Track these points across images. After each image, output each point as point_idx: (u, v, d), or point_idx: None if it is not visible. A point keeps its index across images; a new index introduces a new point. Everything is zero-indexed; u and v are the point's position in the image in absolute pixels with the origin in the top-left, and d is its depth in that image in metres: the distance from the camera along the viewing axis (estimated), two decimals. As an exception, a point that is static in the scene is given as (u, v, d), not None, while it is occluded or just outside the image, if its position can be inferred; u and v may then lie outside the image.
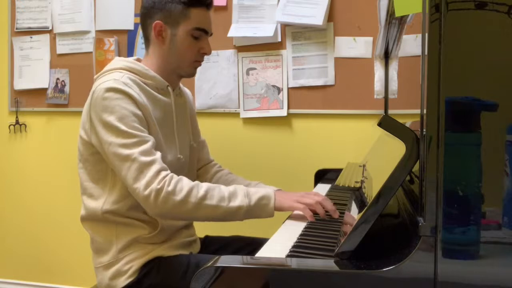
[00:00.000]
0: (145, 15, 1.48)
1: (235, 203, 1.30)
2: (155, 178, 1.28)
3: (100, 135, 1.33)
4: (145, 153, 1.30)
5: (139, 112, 1.35)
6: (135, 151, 1.29)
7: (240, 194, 1.32)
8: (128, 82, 1.37)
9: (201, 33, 1.46)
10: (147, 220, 1.41)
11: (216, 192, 1.31)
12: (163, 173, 1.29)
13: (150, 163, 1.29)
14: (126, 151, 1.29)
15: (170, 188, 1.27)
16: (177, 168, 1.47)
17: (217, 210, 1.30)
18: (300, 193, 1.36)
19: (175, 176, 1.31)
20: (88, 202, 1.43)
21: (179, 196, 1.28)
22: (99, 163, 1.39)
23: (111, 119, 1.31)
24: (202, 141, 1.74)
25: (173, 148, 1.48)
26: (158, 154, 1.32)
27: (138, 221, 1.40)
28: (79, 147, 1.43)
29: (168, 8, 1.43)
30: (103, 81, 1.37)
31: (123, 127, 1.31)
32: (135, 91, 1.36)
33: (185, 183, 1.30)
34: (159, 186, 1.27)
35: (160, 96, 1.46)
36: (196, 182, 1.33)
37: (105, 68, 1.45)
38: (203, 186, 1.31)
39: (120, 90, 1.33)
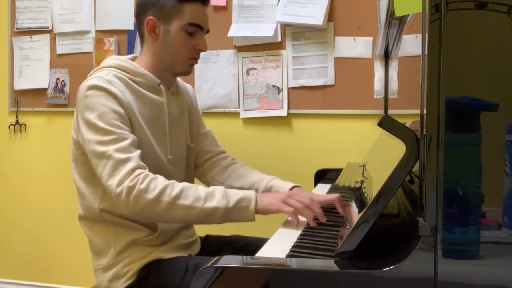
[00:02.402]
0: (139, 12, 1.46)
1: (211, 203, 1.24)
2: (129, 175, 1.24)
3: (82, 132, 1.32)
4: (121, 150, 1.27)
5: (120, 110, 1.33)
6: (110, 148, 1.27)
7: (218, 194, 1.26)
8: (112, 80, 1.35)
9: (196, 29, 1.43)
10: (146, 222, 1.39)
11: (191, 192, 1.26)
12: (138, 171, 1.26)
13: (125, 161, 1.26)
14: (102, 148, 1.27)
15: (142, 186, 1.23)
16: (169, 169, 1.45)
17: (192, 211, 1.24)
18: (287, 193, 1.31)
19: (150, 174, 1.27)
20: (83, 201, 1.42)
21: (151, 195, 1.23)
22: (88, 162, 1.36)
23: (91, 116, 1.30)
24: (204, 132, 1.68)
25: (164, 148, 1.46)
26: (135, 152, 1.29)
27: (136, 223, 1.38)
28: (72, 147, 1.42)
29: (161, 3, 1.41)
30: (88, 79, 1.37)
31: (101, 124, 1.29)
32: (118, 89, 1.34)
33: (160, 181, 1.26)
34: (131, 184, 1.23)
35: (150, 94, 1.43)
36: (172, 181, 1.28)
37: (98, 66, 1.45)
38: (178, 185, 1.27)
39: (102, 88, 1.32)
